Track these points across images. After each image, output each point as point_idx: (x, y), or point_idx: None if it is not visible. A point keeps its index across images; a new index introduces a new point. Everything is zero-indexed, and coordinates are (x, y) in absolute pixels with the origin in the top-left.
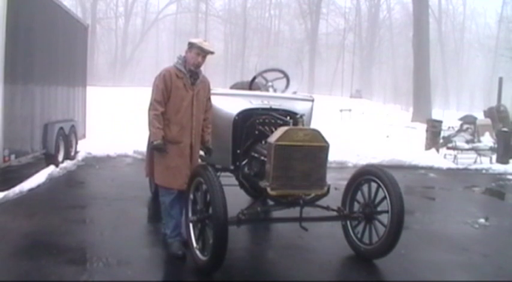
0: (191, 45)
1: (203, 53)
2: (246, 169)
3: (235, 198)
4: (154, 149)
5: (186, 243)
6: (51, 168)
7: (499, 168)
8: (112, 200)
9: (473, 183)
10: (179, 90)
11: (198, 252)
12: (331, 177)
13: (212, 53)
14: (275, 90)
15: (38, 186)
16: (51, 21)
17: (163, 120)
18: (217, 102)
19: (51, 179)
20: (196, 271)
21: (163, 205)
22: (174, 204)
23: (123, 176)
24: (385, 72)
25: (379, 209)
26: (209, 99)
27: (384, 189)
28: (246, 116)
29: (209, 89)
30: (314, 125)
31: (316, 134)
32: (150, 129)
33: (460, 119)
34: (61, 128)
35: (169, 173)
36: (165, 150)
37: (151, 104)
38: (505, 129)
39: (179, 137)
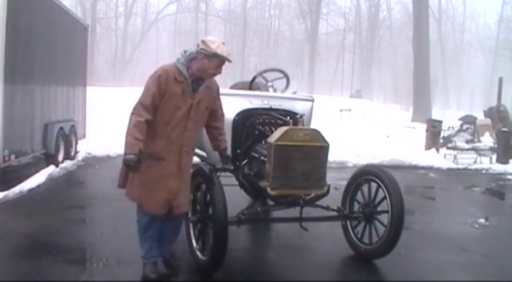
0: (212, 55)
1: (223, 63)
2: (246, 169)
3: (235, 198)
4: (125, 164)
5: (166, 261)
6: (51, 168)
7: (499, 168)
8: (112, 200)
9: (473, 183)
10: (175, 97)
11: (198, 252)
12: (331, 177)
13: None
14: (275, 90)
15: (38, 186)
16: (51, 21)
17: (148, 130)
18: None
19: (51, 179)
20: (196, 271)
21: (138, 223)
22: (149, 227)
23: None
24: (385, 72)
25: (379, 209)
26: (220, 106)
27: (384, 189)
28: (246, 116)
29: (216, 96)
30: (314, 125)
31: (316, 134)
32: (126, 138)
33: (460, 119)
34: (61, 128)
35: (144, 191)
36: (137, 169)
37: (135, 107)
38: (505, 129)
39: (163, 153)
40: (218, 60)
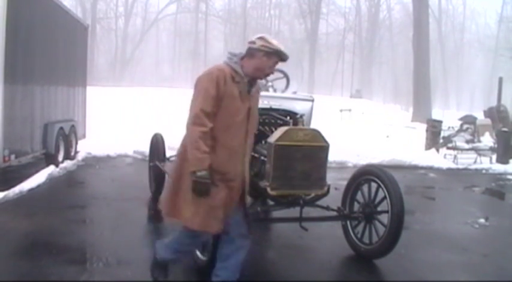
0: (273, 52)
1: (278, 62)
2: None
3: None
4: (197, 185)
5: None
6: (51, 168)
7: (499, 168)
8: (112, 200)
9: (473, 183)
10: (234, 100)
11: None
12: (331, 177)
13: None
14: (275, 90)
15: (38, 186)
16: (51, 21)
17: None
18: None
19: (51, 179)
20: (196, 271)
21: (179, 242)
22: (191, 249)
23: (123, 176)
24: (385, 72)
25: (379, 209)
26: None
27: (384, 189)
28: None
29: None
30: (314, 125)
31: (316, 134)
32: (191, 153)
33: (460, 119)
34: (61, 128)
35: (213, 214)
36: (209, 188)
37: (195, 115)
38: (505, 129)
39: (227, 165)
40: (276, 58)
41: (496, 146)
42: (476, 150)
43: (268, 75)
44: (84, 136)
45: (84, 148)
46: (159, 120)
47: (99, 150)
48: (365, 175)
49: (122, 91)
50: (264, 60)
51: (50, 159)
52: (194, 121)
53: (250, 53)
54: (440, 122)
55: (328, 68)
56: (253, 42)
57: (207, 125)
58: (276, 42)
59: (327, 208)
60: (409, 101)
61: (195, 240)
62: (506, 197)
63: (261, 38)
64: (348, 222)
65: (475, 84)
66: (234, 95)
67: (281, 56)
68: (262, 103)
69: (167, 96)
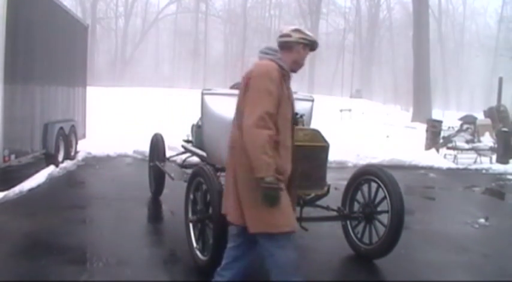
0: (311, 43)
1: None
2: None
3: None
4: (267, 191)
5: None
6: (51, 168)
7: (499, 168)
8: (112, 200)
9: (473, 183)
10: (286, 97)
11: (198, 252)
12: (331, 177)
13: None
14: None
15: (38, 186)
16: (51, 21)
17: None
18: (216, 102)
19: (51, 179)
20: (196, 271)
21: (282, 261)
22: (296, 256)
23: (123, 176)
24: (385, 72)
25: (379, 209)
26: None
27: (384, 189)
28: None
29: None
30: (314, 125)
31: (316, 134)
32: (258, 158)
33: (460, 119)
34: (61, 128)
35: (291, 210)
36: (280, 191)
37: (260, 118)
38: (505, 129)
39: (285, 165)
40: (309, 49)
41: (496, 146)
42: (476, 150)
43: (301, 67)
44: (84, 136)
45: (84, 148)
46: (159, 120)
47: (99, 150)
48: (365, 175)
49: (122, 91)
50: (301, 52)
51: (50, 159)
52: (259, 124)
53: (288, 46)
54: (440, 122)
55: (328, 68)
56: (289, 35)
57: (272, 128)
58: (310, 33)
59: (327, 208)
60: (409, 101)
61: (292, 244)
62: (506, 197)
63: (297, 31)
64: (348, 222)
65: (475, 84)
66: (285, 92)
67: (314, 46)
68: None
69: (167, 96)
